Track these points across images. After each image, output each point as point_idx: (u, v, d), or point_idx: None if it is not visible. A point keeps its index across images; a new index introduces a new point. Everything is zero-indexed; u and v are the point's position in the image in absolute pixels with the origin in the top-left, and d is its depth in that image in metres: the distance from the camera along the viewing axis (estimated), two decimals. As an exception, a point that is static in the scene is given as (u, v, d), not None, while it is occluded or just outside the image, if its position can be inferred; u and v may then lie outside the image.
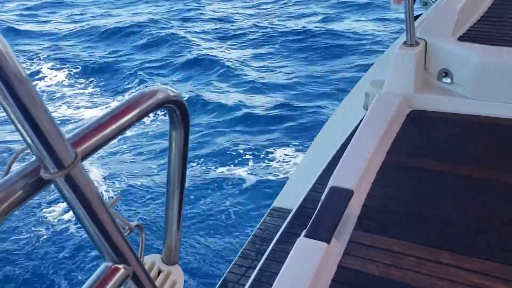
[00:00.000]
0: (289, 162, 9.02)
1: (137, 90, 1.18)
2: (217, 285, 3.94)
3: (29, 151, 0.73)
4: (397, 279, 2.16)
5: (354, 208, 2.59)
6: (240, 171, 9.05)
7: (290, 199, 4.39)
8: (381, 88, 3.53)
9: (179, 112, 1.13)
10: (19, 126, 0.66)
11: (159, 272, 1.51)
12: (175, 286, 1.48)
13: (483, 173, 2.78)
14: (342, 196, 2.60)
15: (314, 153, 5.07)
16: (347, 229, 2.47)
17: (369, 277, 2.18)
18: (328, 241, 2.30)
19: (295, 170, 5.39)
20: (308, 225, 2.44)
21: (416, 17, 4.23)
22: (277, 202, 5.08)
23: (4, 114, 0.66)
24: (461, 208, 2.55)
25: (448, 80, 3.42)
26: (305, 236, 2.36)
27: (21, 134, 0.68)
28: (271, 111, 11.07)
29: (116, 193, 8.37)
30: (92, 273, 0.86)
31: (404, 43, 3.45)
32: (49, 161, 0.70)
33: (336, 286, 2.14)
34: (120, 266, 0.86)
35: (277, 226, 4.15)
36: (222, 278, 4.03)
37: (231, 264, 4.20)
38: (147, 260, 1.53)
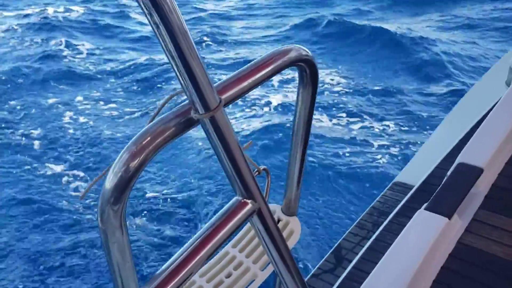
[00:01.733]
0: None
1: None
2: (331, 250, 4.03)
3: (180, 95, 0.86)
4: None
5: (482, 186, 2.46)
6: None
7: (414, 174, 4.27)
8: None
9: (309, 71, 1.19)
10: (177, 72, 0.79)
11: (278, 220, 1.63)
12: (292, 235, 1.58)
13: None
14: (470, 173, 2.47)
15: (446, 128, 4.81)
16: (472, 206, 2.36)
17: (491, 257, 2.09)
18: (449, 216, 2.24)
19: (423, 145, 5.18)
20: (431, 199, 2.38)
21: None
22: (400, 177, 4.96)
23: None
24: None
25: None
26: (426, 209, 2.32)
27: (179, 79, 0.81)
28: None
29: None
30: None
31: None
32: (199, 104, 0.83)
33: (453, 261, 2.09)
34: (248, 201, 0.97)
35: (397, 200, 4.08)
36: (336, 244, 4.11)
37: (347, 232, 4.26)
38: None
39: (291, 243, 1.59)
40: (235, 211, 0.96)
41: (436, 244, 2.12)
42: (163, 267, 0.88)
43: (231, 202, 0.98)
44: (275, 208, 1.66)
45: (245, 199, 0.97)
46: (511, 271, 2.00)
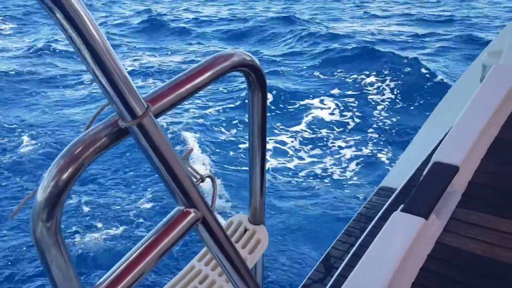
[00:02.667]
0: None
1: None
2: (320, 259, 3.99)
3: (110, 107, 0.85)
4: (503, 260, 2.01)
5: (458, 184, 2.45)
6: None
7: (398, 178, 4.27)
8: (499, 59, 3.24)
9: (255, 76, 1.19)
10: (98, 82, 0.78)
11: (245, 230, 1.61)
12: (259, 244, 1.56)
13: None
14: (446, 172, 2.47)
15: (427, 130, 4.83)
16: (449, 205, 2.35)
17: (469, 255, 2.06)
18: (426, 216, 2.22)
19: (406, 149, 5.19)
20: (407, 200, 2.37)
21: None
22: (385, 182, 4.95)
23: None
24: None
25: None
26: (402, 210, 2.30)
27: (101, 89, 0.79)
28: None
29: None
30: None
31: None
32: (125, 112, 0.81)
33: (432, 262, 2.07)
34: (191, 210, 0.94)
35: (383, 205, 4.07)
36: (325, 253, 4.07)
37: (335, 240, 4.23)
38: (235, 219, 1.63)
39: (258, 252, 1.56)
40: (177, 220, 0.94)
41: (413, 245, 2.10)
42: (102, 279, 0.86)
43: (172, 212, 0.96)
44: (242, 218, 1.64)
45: (187, 209, 0.95)
46: (489, 269, 1.98)
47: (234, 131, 10.79)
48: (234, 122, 11.18)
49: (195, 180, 0.97)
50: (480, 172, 2.52)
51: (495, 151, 2.64)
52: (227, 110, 11.79)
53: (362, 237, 3.35)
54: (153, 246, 0.91)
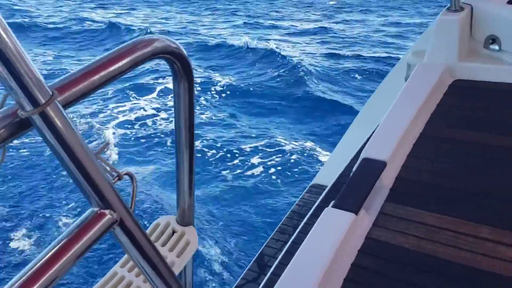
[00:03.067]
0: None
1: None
2: (254, 259, 3.96)
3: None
4: (430, 253, 2.07)
5: (386, 180, 2.50)
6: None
7: (329, 175, 4.33)
8: (423, 58, 3.36)
9: (180, 64, 1.10)
10: None
11: (173, 232, 1.52)
12: (188, 246, 1.48)
13: None
14: (374, 167, 2.51)
15: (356, 128, 4.95)
16: (377, 200, 2.39)
17: (398, 249, 2.10)
18: (356, 211, 2.24)
19: (337, 146, 5.29)
20: (337, 196, 2.38)
21: None
22: (317, 179, 5.02)
23: None
24: (502, 181, 2.40)
25: (496, 47, 3.21)
26: (333, 206, 2.31)
27: None
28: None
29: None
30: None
31: (448, 8, 3.25)
32: (25, 100, 0.70)
33: (363, 257, 2.08)
34: (106, 211, 0.85)
35: (315, 202, 4.11)
36: (258, 252, 4.05)
37: (269, 238, 4.21)
38: (162, 220, 1.54)
39: (187, 255, 1.48)
40: (91, 223, 0.84)
41: (344, 241, 2.11)
42: (7, 285, 0.74)
43: (85, 214, 0.85)
44: (170, 219, 1.55)
45: (101, 210, 0.85)
46: (415, 261, 2.02)
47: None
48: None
49: (111, 178, 0.88)
50: (407, 167, 2.59)
51: (420, 147, 2.72)
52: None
53: (295, 234, 3.35)
54: (64, 250, 0.80)
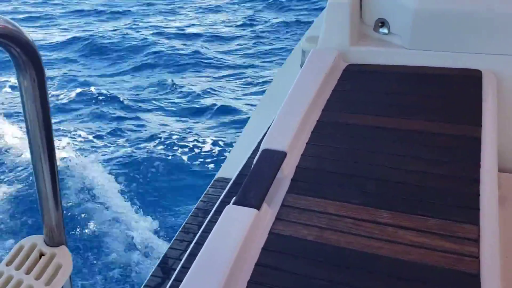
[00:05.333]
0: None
1: None
2: (157, 263, 3.74)
3: None
4: (332, 243, 2.01)
5: (287, 170, 2.42)
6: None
7: (232, 168, 4.21)
8: (316, 43, 3.34)
9: (22, 51, 0.88)
10: None
11: (41, 255, 1.28)
12: (60, 270, 1.25)
13: (422, 126, 2.67)
14: (275, 158, 2.41)
15: (257, 118, 4.88)
16: (279, 193, 2.29)
17: (302, 242, 2.02)
18: (258, 207, 2.12)
19: (239, 138, 5.20)
20: (238, 192, 2.25)
21: None
22: (221, 173, 4.89)
23: None
24: (399, 164, 2.43)
25: (385, 30, 3.27)
26: (234, 203, 2.17)
27: None
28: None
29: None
30: None
31: None
32: None
33: (267, 255, 1.97)
34: None
35: (219, 197, 3.97)
36: (162, 255, 3.83)
37: (173, 239, 4.01)
38: (26, 242, 1.29)
39: (59, 281, 1.25)
40: None
41: (247, 239, 1.98)
42: None
43: None
44: (36, 240, 1.30)
45: None
46: (320, 254, 1.95)
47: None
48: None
49: None
50: (306, 156, 2.53)
51: (318, 134, 2.68)
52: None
53: (198, 234, 3.19)
54: None
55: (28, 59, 0.91)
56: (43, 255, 1.28)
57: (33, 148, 1.09)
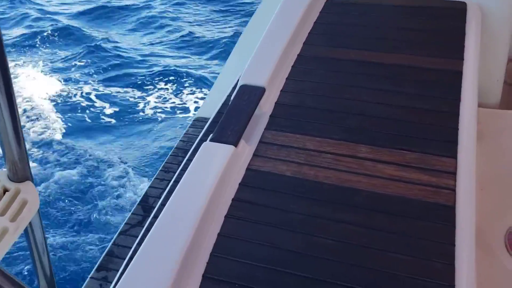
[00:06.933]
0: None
1: None
2: (138, 202, 3.74)
3: None
4: (310, 178, 1.99)
5: (265, 106, 2.36)
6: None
7: (211, 107, 4.13)
8: None
9: None
10: None
11: (5, 191, 1.22)
12: (26, 206, 1.20)
13: (405, 60, 2.60)
14: (253, 94, 2.35)
15: (236, 56, 4.75)
16: (258, 129, 2.25)
17: (279, 178, 2.00)
18: (235, 143, 2.08)
19: (218, 77, 5.08)
20: (215, 129, 2.19)
21: None
22: (200, 112, 4.81)
23: None
24: (381, 98, 2.38)
25: None
26: (211, 140, 2.12)
27: None
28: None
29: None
30: None
31: None
32: None
33: (244, 190, 1.95)
34: None
35: (198, 136, 3.93)
36: (143, 193, 3.82)
37: (153, 178, 3.99)
38: None
39: (26, 216, 1.20)
40: None
41: (224, 175, 1.95)
42: None
43: None
44: None
45: None
46: (299, 189, 1.94)
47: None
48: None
49: None
50: (285, 91, 2.46)
51: (298, 69, 2.61)
52: None
53: (177, 172, 3.16)
54: None
55: None
56: (7, 190, 1.22)
57: None
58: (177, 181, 2.98)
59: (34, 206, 1.21)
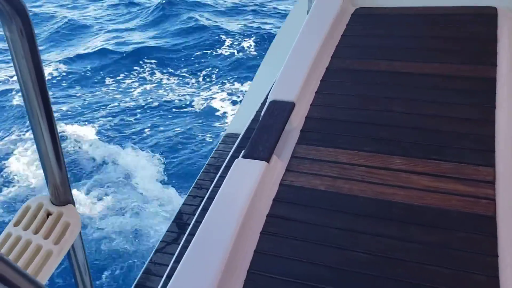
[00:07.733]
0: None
1: None
2: (172, 219, 3.78)
3: None
4: (345, 192, 1.98)
5: (296, 121, 2.37)
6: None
7: (241, 123, 4.17)
8: None
9: (9, 7, 0.82)
10: None
11: (48, 215, 1.26)
12: (69, 229, 1.24)
13: (436, 69, 2.57)
14: (283, 110, 2.36)
15: (264, 71, 4.79)
16: (289, 144, 2.25)
17: (313, 192, 1.99)
18: (267, 159, 2.09)
19: (247, 93, 5.13)
20: (247, 145, 2.21)
21: None
22: (230, 128, 4.86)
23: None
24: (412, 108, 2.35)
25: None
26: (243, 156, 2.14)
27: None
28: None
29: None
30: None
31: None
32: None
33: (278, 206, 1.95)
34: None
35: (230, 152, 3.96)
36: (177, 212, 3.87)
37: (186, 195, 4.03)
38: (32, 202, 1.28)
39: (69, 239, 1.24)
40: None
41: (257, 191, 1.96)
42: None
43: None
44: (42, 200, 1.29)
45: None
46: (333, 203, 1.93)
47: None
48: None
49: None
50: (315, 105, 2.47)
51: (327, 83, 2.61)
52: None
53: (211, 188, 3.19)
54: None
55: (12, 8, 0.85)
56: (50, 214, 1.26)
57: (28, 106, 1.05)
58: (210, 198, 3.01)
59: (76, 228, 1.25)
